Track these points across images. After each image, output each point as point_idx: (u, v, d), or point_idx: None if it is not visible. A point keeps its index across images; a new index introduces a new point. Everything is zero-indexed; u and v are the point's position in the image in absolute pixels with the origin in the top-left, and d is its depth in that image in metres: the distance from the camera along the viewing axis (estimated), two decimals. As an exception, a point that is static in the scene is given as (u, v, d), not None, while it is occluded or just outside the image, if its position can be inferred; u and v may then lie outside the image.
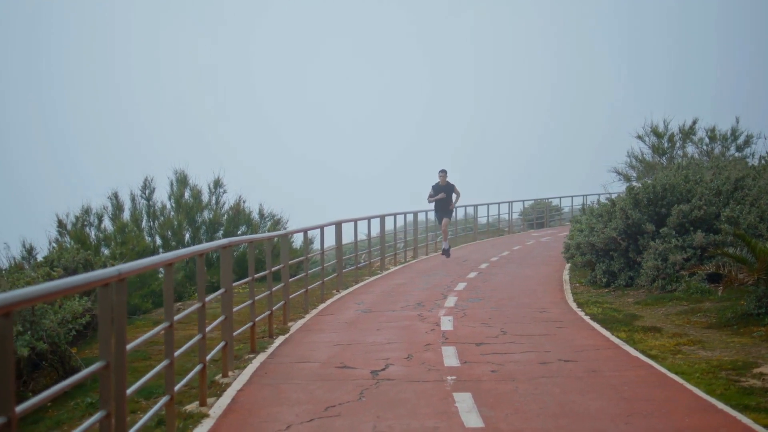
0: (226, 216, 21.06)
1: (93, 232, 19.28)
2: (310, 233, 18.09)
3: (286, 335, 11.98)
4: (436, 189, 22.80)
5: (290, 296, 13.60)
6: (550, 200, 40.61)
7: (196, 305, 7.85)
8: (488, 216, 35.18)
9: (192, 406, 7.94)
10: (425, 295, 15.97)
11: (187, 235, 20.76)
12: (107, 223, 19.92)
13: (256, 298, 11.83)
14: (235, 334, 10.07)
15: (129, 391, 5.53)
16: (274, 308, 12.19)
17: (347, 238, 19.50)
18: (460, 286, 17.27)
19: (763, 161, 20.37)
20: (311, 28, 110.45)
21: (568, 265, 19.87)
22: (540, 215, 39.58)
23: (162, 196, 21.18)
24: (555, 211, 41.47)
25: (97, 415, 4.94)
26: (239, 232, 21.15)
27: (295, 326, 12.78)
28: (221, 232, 21.11)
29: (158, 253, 19.73)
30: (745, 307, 12.07)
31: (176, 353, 6.91)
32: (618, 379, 8.64)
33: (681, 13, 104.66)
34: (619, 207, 16.36)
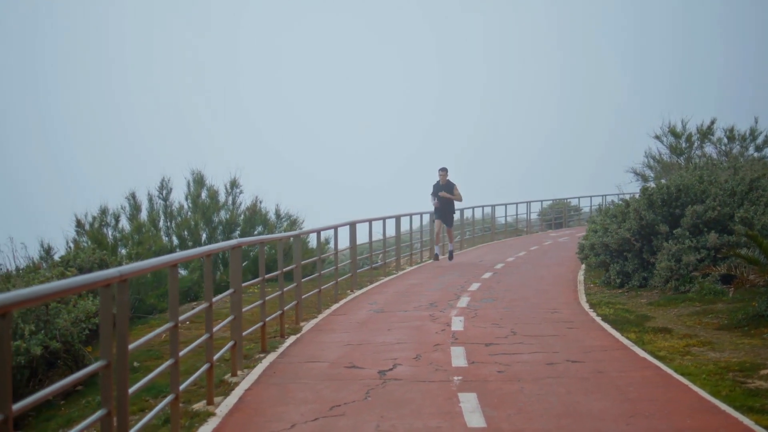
0: (242, 216, 21.19)
1: (110, 232, 19.46)
2: (327, 234, 18.24)
3: (298, 335, 12.07)
4: (437, 188, 21.65)
5: (303, 296, 13.70)
6: (568, 200, 40.53)
7: (204, 305, 7.94)
8: (506, 216, 35.17)
9: (199, 405, 8.04)
10: (438, 295, 16.02)
11: (204, 235, 20.91)
12: (125, 223, 20.11)
13: (268, 298, 11.94)
14: (245, 333, 10.18)
15: (131, 389, 5.63)
16: (286, 308, 12.30)
17: (363, 238, 19.58)
18: (474, 286, 17.31)
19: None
20: (313, 28, 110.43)
21: (583, 266, 19.85)
22: (558, 215, 39.52)
23: (179, 196, 21.35)
24: (574, 211, 41.38)
25: (98, 413, 5.04)
26: (255, 233, 21.28)
27: (307, 326, 12.86)
28: (237, 232, 21.25)
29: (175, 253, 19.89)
30: (757, 308, 12.05)
31: (182, 353, 7.01)
32: (624, 380, 8.67)
33: (687, 12, 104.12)
34: (633, 208, 16.35)
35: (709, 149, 26.93)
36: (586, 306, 14.34)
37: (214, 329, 8.36)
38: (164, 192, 20.88)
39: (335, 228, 16.48)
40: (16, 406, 3.98)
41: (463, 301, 14.96)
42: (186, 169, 21.86)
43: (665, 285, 15.39)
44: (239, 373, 9.41)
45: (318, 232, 15.49)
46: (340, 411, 7.66)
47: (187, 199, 21.11)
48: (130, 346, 5.58)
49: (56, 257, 15.98)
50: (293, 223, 21.79)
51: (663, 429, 6.94)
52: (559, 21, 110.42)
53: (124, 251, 19.42)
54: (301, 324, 13.03)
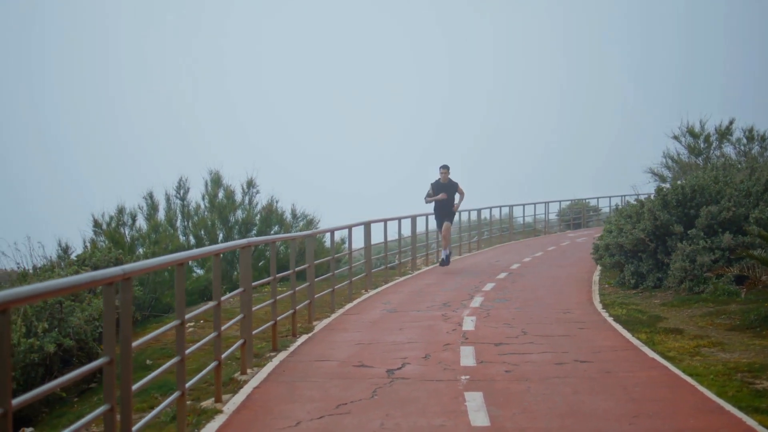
0: (258, 216, 21.32)
1: (127, 232, 19.63)
2: (344, 234, 18.24)
3: (310, 334, 12.15)
4: (436, 188, 20.05)
5: (316, 296, 13.78)
6: (587, 200, 40.41)
7: (212, 303, 8.03)
8: (524, 216, 35.14)
9: (207, 402, 8.13)
10: (452, 295, 16.06)
11: (221, 235, 21.06)
12: (142, 223, 20.29)
13: (279, 297, 12.03)
14: (256, 332, 10.27)
15: (135, 386, 5.72)
16: (298, 307, 12.39)
17: (378, 238, 19.64)
18: (488, 286, 17.33)
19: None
20: (316, 30, 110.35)
21: (599, 267, 19.83)
22: (577, 216, 39.42)
23: (196, 196, 21.51)
24: (593, 212, 41.26)
25: (100, 409, 5.13)
26: (272, 232, 21.40)
27: (319, 325, 12.94)
28: (254, 231, 21.38)
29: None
30: (769, 309, 12.01)
31: (189, 350, 7.10)
32: (630, 380, 8.68)
33: (693, 13, 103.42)
34: (648, 208, 16.32)
35: (728, 150, 26.79)
36: (599, 306, 14.33)
37: (223, 328, 8.46)
38: (181, 192, 21.04)
39: (349, 228, 16.56)
40: (16, 401, 4.07)
41: (477, 301, 14.99)
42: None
43: (679, 286, 15.35)
44: (249, 371, 9.50)
45: (332, 231, 15.57)
46: (346, 409, 7.73)
47: (204, 198, 21.27)
48: (134, 343, 5.67)
49: (73, 257, 16.14)
50: (309, 223, 21.89)
51: (665, 429, 6.96)
52: (565, 22, 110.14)
53: (141, 250, 19.61)
54: (314, 323, 13.11)
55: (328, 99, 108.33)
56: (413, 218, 22.36)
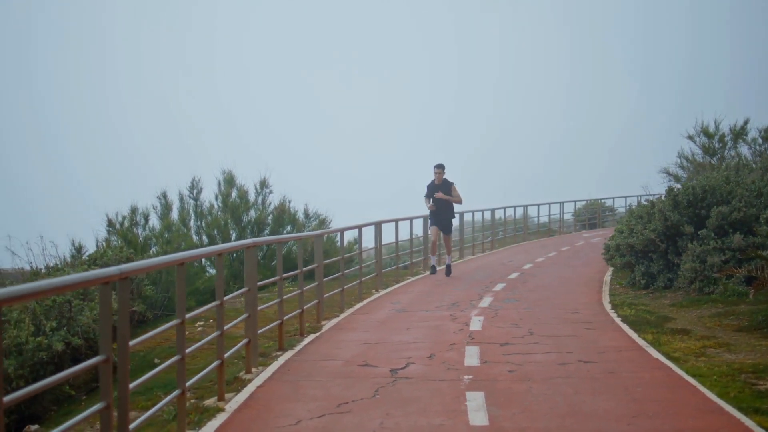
0: (271, 216, 21.42)
1: (140, 231, 19.78)
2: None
3: (317, 333, 12.21)
4: (431, 188, 18.88)
5: (325, 295, 13.85)
6: (603, 201, 40.32)
7: (215, 303, 8.10)
8: (538, 216, 35.10)
9: (210, 401, 8.20)
10: (462, 295, 16.08)
11: (234, 234, 21.17)
12: (156, 223, 20.43)
13: (288, 296, 12.11)
14: (261, 331, 10.35)
15: (133, 384, 5.79)
16: (306, 306, 12.45)
17: (389, 238, 19.69)
18: (499, 286, 17.35)
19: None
20: (321, 31, 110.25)
21: (611, 267, 19.79)
22: (593, 216, 39.33)
23: (209, 195, 21.63)
24: (609, 212, 41.15)
25: (96, 406, 5.21)
26: (285, 232, 21.50)
27: (328, 325, 13.00)
28: (267, 231, 21.49)
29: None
30: (778, 310, 11.98)
31: (190, 349, 7.18)
32: (633, 381, 8.69)
33: (701, 11, 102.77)
34: (658, 208, 16.29)
35: (743, 150, 26.66)
36: (608, 307, 14.32)
37: (226, 327, 8.53)
38: (195, 191, 21.17)
39: (359, 228, 16.61)
40: (8, 398, 4.15)
41: (486, 302, 15.02)
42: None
43: (689, 286, 15.32)
44: (254, 370, 9.57)
45: (341, 231, 15.63)
46: (347, 408, 7.78)
47: (217, 198, 21.40)
48: (132, 342, 5.74)
49: (85, 257, 16.28)
50: (322, 223, 21.98)
51: (664, 429, 6.97)
52: (570, 21, 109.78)
53: (155, 250, 19.76)
54: (323, 323, 13.17)
55: (332, 99, 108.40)
56: (425, 218, 22.37)
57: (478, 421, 7.28)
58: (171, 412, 7.69)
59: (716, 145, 26.13)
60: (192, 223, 21.05)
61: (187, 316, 7.05)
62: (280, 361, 10.16)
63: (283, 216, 21.34)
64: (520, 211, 33.21)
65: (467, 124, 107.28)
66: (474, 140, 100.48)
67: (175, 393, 6.84)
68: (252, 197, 21.50)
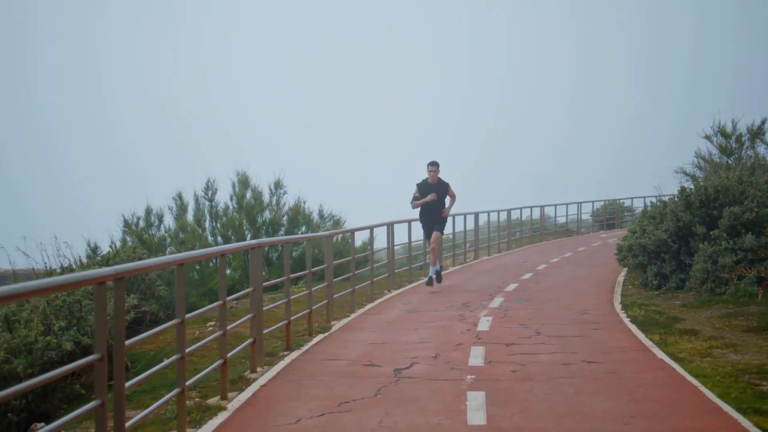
0: (286, 216, 21.53)
1: (155, 232, 19.95)
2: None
3: (326, 333, 12.29)
4: (424, 189, 16.85)
5: (336, 295, 13.93)
6: (621, 201, 40.19)
7: (217, 303, 8.20)
8: (555, 217, 35.04)
9: (213, 400, 8.29)
10: (474, 296, 16.11)
11: (249, 235, 21.30)
12: (171, 223, 20.60)
13: (296, 296, 12.20)
14: (268, 331, 10.44)
15: (128, 383, 5.89)
16: (316, 306, 12.54)
17: (402, 238, 19.74)
18: (511, 287, 17.37)
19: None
20: (328, 32, 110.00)
21: (626, 268, 19.75)
22: (611, 216, 39.21)
23: (224, 196, 21.79)
24: (627, 212, 41.01)
25: (91, 404, 5.30)
26: (300, 232, 21.61)
27: (337, 325, 13.07)
28: (282, 231, 21.61)
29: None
30: (787, 310, 11.94)
31: (190, 348, 7.27)
32: (635, 381, 8.70)
33: (703, 13, 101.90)
34: (670, 209, 16.25)
35: (761, 149, 26.49)
36: (618, 307, 14.31)
37: (231, 327, 8.63)
38: (209, 192, 21.32)
39: (371, 228, 16.67)
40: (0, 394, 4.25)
41: (496, 302, 15.04)
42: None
43: (701, 287, 15.28)
44: (259, 369, 9.66)
45: (352, 232, 15.70)
46: (348, 407, 7.85)
47: (232, 199, 21.54)
48: (128, 342, 5.84)
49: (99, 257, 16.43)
50: (336, 223, 22.07)
51: (660, 429, 6.99)
52: (575, 21, 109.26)
53: (170, 250, 19.93)
54: (332, 323, 13.24)
55: (336, 99, 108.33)
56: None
57: (476, 421, 7.33)
58: (174, 411, 7.77)
59: (733, 145, 26.00)
60: (207, 223, 21.20)
61: (188, 315, 7.14)
62: (286, 360, 10.24)
63: (298, 217, 21.45)
64: (537, 212, 33.19)
65: (473, 125, 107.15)
66: (480, 140, 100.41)
67: (175, 391, 6.93)
68: (266, 198, 21.64)
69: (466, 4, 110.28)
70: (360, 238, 21.97)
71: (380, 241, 18.96)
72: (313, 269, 12.65)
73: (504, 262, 23.83)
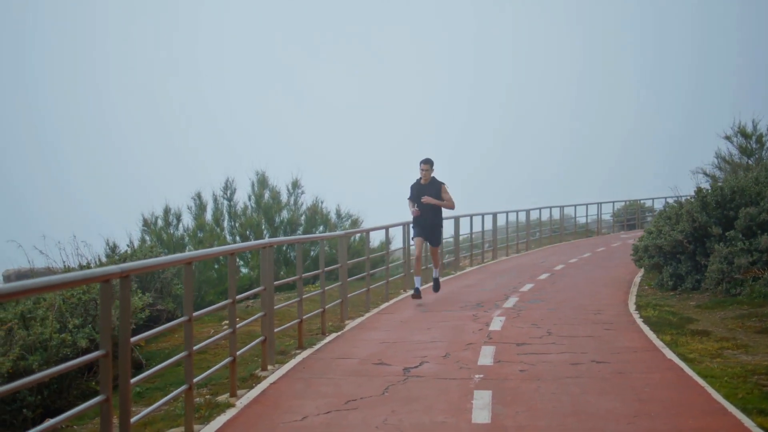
0: (304, 216, 21.67)
1: (173, 231, 20.14)
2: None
3: (339, 333, 12.38)
4: (415, 189, 15.09)
5: (351, 295, 14.03)
6: (643, 201, 40.05)
7: (226, 301, 8.31)
8: (575, 217, 34.99)
9: (223, 397, 8.40)
10: (489, 295, 16.16)
11: (267, 235, 21.44)
12: (190, 222, 20.79)
13: (308, 296, 12.31)
14: (279, 329, 10.54)
15: (134, 380, 6.00)
16: (329, 306, 12.64)
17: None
18: (527, 287, 17.40)
19: None
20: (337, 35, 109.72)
21: (643, 268, 19.72)
22: (631, 216, 39.09)
23: (242, 196, 21.97)
24: (648, 213, 40.86)
25: (95, 399, 5.42)
26: (317, 232, 21.74)
27: (351, 324, 13.17)
28: (300, 231, 21.74)
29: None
30: (800, 312, 11.90)
31: (198, 346, 7.39)
32: (642, 381, 8.73)
33: (708, 14, 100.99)
34: (686, 209, 16.22)
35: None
36: (632, 308, 14.32)
37: (240, 325, 8.74)
38: (228, 192, 21.49)
39: (386, 228, 16.75)
40: (1, 390, 4.36)
41: (511, 302, 15.08)
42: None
43: (716, 288, 15.25)
44: (270, 367, 9.76)
45: (367, 232, 15.79)
46: (354, 405, 7.93)
47: (250, 199, 21.71)
48: (133, 339, 5.95)
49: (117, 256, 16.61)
50: (354, 223, 22.18)
51: (663, 429, 7.02)
52: (581, 21, 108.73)
53: (189, 249, 20.11)
54: (346, 322, 13.34)
55: (340, 101, 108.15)
56: (456, 219, 22.48)
57: (481, 419, 7.39)
58: (183, 408, 7.89)
59: (753, 146, 25.87)
60: (225, 223, 21.37)
61: (196, 313, 7.26)
62: (298, 359, 10.34)
63: (316, 216, 21.57)
64: (556, 212, 33.16)
65: (479, 125, 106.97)
66: (486, 140, 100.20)
67: (183, 388, 7.04)
68: (284, 198, 21.78)
69: (474, 6, 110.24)
70: (378, 238, 22.12)
71: (397, 242, 19.04)
72: (327, 269, 12.76)
73: (522, 262, 23.84)
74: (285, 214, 21.63)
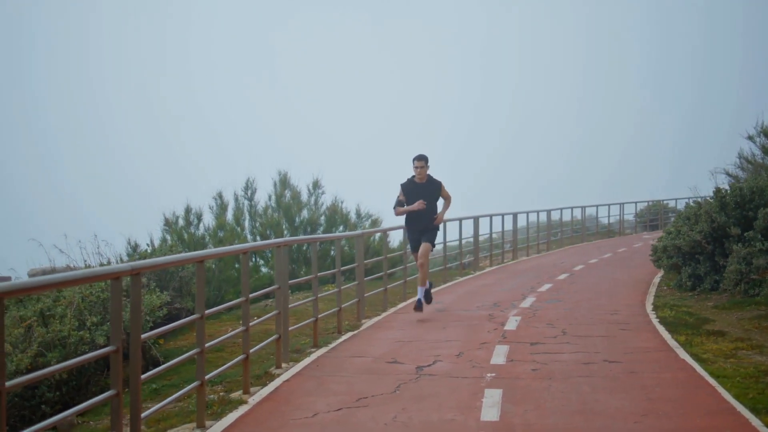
0: (323, 216, 21.79)
1: (194, 231, 20.33)
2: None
3: (356, 331, 12.47)
4: (410, 190, 13.41)
5: (368, 294, 14.11)
6: (666, 202, 39.88)
7: (240, 299, 8.42)
8: (597, 217, 34.91)
9: (236, 394, 8.52)
10: (506, 295, 16.20)
11: (287, 234, 21.58)
12: (211, 222, 20.98)
13: (325, 294, 12.41)
14: (293, 328, 10.65)
15: (144, 375, 6.12)
16: (346, 305, 12.74)
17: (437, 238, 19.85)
18: (545, 287, 17.42)
19: None
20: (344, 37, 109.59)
21: (661, 269, 19.67)
22: (654, 217, 38.94)
23: (263, 196, 22.13)
24: (672, 213, 40.66)
25: (106, 394, 5.54)
26: (337, 231, 21.85)
27: (367, 323, 13.25)
28: (320, 230, 21.87)
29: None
30: (817, 313, 11.86)
31: (209, 343, 7.50)
32: (653, 381, 8.76)
33: (711, 14, 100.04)
34: (705, 210, 16.19)
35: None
36: (649, 308, 14.31)
37: (254, 323, 8.86)
38: (249, 192, 21.66)
39: (404, 228, 16.79)
40: (9, 384, 4.48)
41: (528, 302, 15.12)
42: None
43: (735, 288, 15.20)
44: (284, 365, 9.87)
45: (384, 232, 15.87)
46: (365, 402, 8.01)
47: (270, 198, 21.86)
48: (144, 336, 6.07)
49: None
50: (374, 223, 22.28)
51: (669, 428, 7.05)
52: (586, 21, 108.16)
53: (210, 247, 20.28)
54: (363, 321, 13.43)
55: (346, 101, 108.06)
56: (475, 219, 22.52)
57: (489, 417, 7.45)
58: (195, 404, 8.01)
59: (776, 146, 25.66)
60: (246, 222, 21.54)
61: (208, 311, 7.37)
62: (312, 357, 10.44)
63: (336, 216, 21.69)
64: (578, 212, 33.09)
65: (485, 126, 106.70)
66: (493, 140, 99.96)
67: (194, 384, 7.16)
68: (304, 197, 21.91)
69: (483, 7, 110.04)
70: (397, 238, 22.19)
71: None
72: (343, 268, 12.85)
73: (541, 262, 23.84)
74: (305, 213, 21.77)
